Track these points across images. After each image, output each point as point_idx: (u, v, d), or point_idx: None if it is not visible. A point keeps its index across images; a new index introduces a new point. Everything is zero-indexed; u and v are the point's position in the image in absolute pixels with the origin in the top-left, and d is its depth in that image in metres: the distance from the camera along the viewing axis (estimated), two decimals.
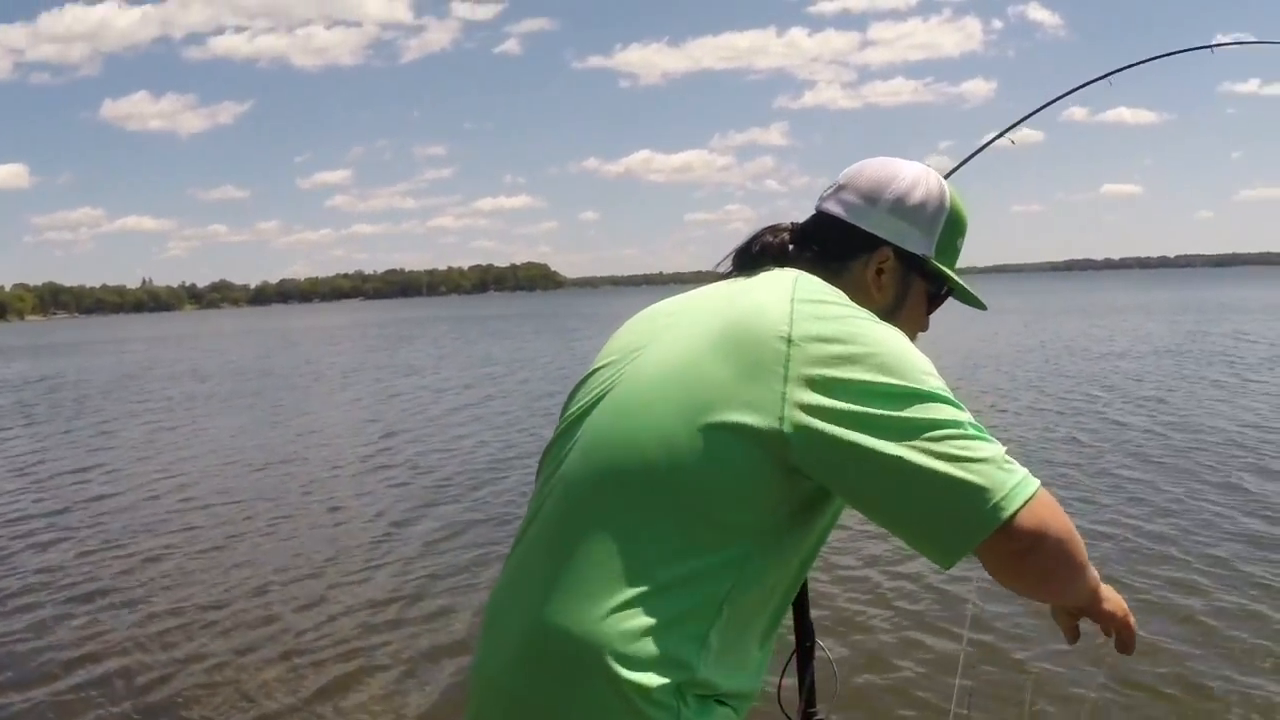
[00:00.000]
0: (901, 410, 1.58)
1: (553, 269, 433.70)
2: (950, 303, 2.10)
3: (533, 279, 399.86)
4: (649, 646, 1.60)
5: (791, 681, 2.43)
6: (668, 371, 1.75)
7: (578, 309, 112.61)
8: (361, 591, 8.39)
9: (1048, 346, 30.81)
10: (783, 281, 1.82)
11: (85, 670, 6.83)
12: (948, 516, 1.55)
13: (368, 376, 30.71)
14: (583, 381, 1.95)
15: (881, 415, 1.57)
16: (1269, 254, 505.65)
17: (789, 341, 1.65)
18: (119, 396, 27.35)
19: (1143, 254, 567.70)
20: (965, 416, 1.60)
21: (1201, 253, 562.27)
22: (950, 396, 1.62)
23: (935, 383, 1.63)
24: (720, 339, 1.72)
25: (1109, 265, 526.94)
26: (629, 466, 1.69)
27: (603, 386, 1.85)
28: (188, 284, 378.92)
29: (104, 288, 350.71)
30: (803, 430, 1.60)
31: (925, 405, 1.59)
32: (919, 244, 1.97)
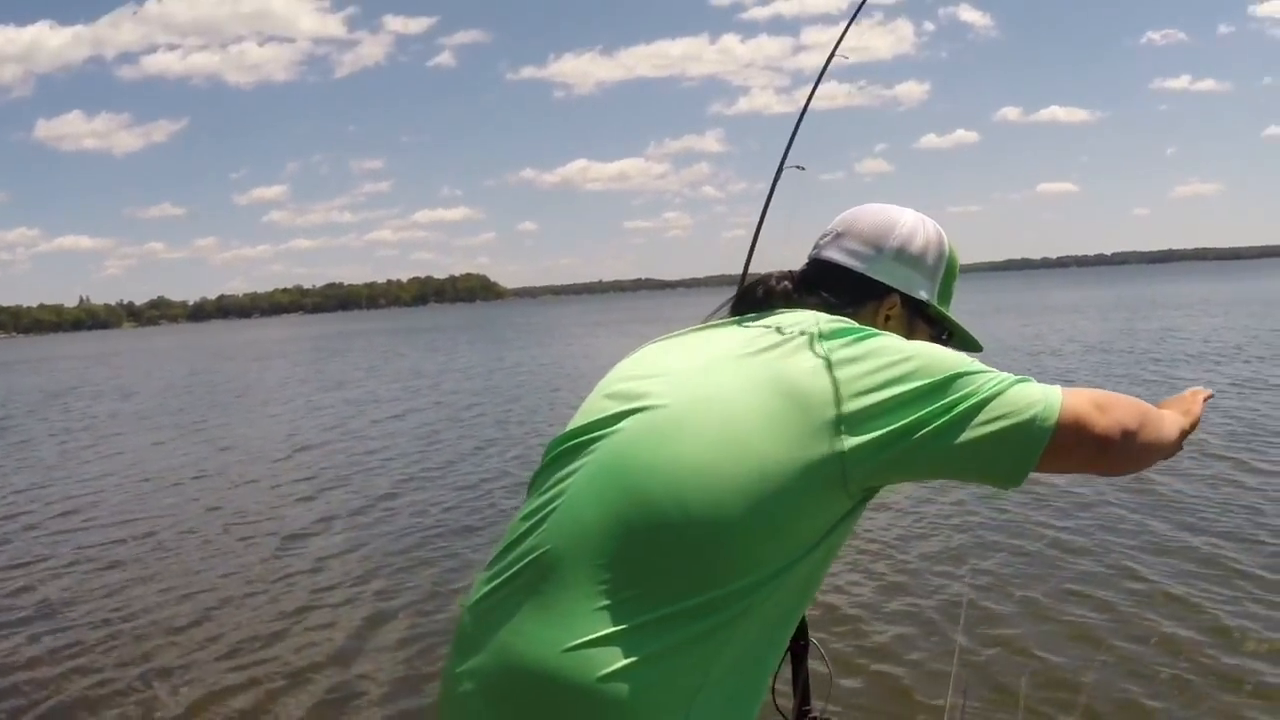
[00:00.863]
0: (941, 401, 1.63)
1: (492, 279, 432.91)
2: None
3: (472, 290, 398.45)
4: (650, 683, 1.56)
5: (786, 678, 2.41)
6: (705, 411, 1.69)
7: (514, 319, 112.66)
8: (252, 604, 8.32)
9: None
10: (808, 319, 1.81)
11: None
12: (1005, 457, 1.64)
13: (292, 391, 30.56)
14: (586, 413, 1.84)
15: (927, 414, 1.62)
16: (1204, 249, 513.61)
17: (830, 371, 1.66)
18: (43, 415, 27.20)
19: (1080, 252, 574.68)
20: (989, 376, 1.67)
21: (1138, 249, 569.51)
22: (971, 367, 1.67)
23: (956, 361, 1.69)
24: (762, 379, 1.70)
25: (1046, 264, 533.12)
26: (657, 501, 1.63)
27: (618, 422, 1.76)
28: (126, 302, 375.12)
29: (41, 307, 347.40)
30: (859, 451, 1.61)
31: (958, 387, 1.64)
32: (923, 290, 2.01)
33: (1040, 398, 1.64)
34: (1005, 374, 1.67)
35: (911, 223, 2.03)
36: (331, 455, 16.35)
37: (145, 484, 14.62)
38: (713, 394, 1.71)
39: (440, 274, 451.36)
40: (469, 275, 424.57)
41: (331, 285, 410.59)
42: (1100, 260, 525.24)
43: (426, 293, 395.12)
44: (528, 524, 1.73)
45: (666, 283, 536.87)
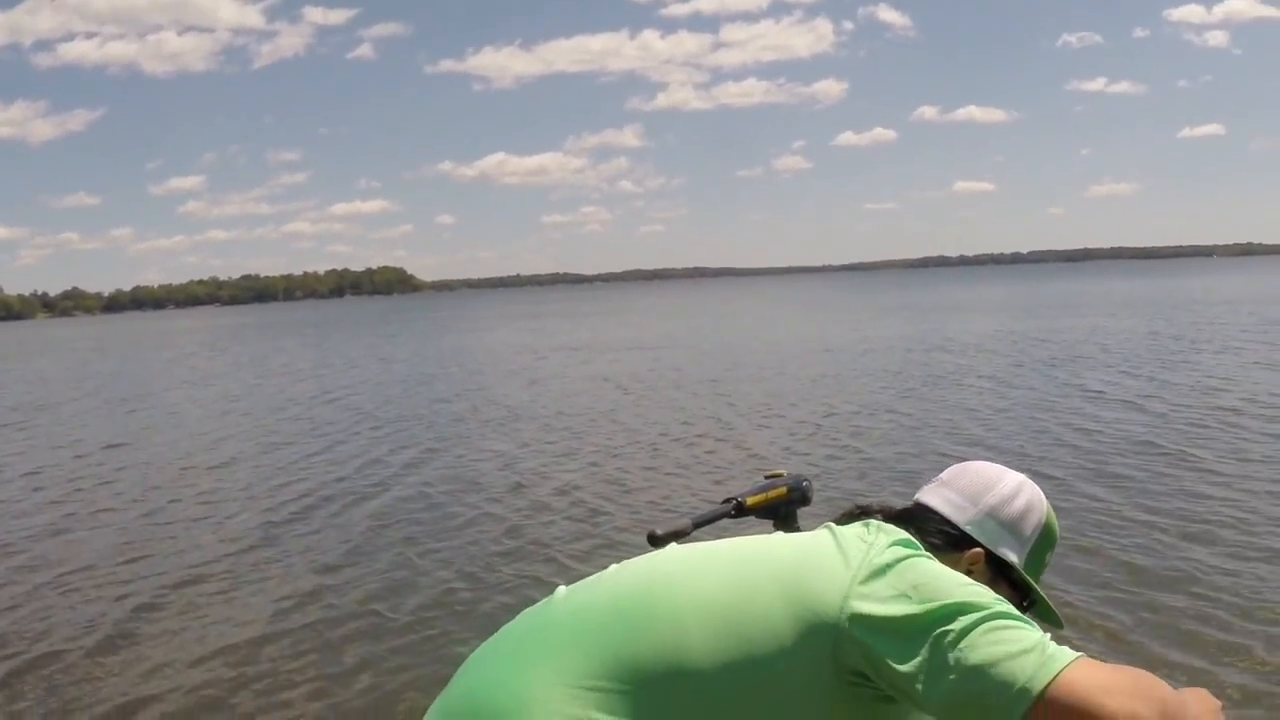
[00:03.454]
0: (940, 627, 1.59)
1: (409, 272, 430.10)
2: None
3: (389, 283, 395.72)
4: None
5: None
6: (720, 580, 1.76)
7: (427, 312, 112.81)
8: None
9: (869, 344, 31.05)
10: (860, 532, 1.84)
11: None
12: (987, 707, 1.55)
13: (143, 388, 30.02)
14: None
15: (920, 635, 1.60)
16: (1120, 249, 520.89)
17: (851, 580, 1.68)
18: None
19: (996, 250, 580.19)
20: (994, 610, 1.62)
21: (1054, 248, 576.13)
22: (980, 600, 1.63)
23: (967, 593, 1.65)
24: (785, 569, 1.75)
25: (963, 261, 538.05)
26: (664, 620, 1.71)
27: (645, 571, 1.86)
28: (40, 292, 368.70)
29: None
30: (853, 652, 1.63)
31: (958, 617, 1.60)
32: (1012, 551, 2.00)
33: (1050, 649, 1.57)
34: (1024, 627, 1.61)
35: (1014, 485, 2.04)
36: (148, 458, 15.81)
37: None
38: (752, 551, 1.83)
39: (357, 266, 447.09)
40: (386, 268, 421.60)
41: (247, 277, 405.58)
42: (1017, 259, 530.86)
43: (343, 285, 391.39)
44: (551, 599, 1.89)
45: (584, 277, 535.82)
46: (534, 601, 1.93)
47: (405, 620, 7.92)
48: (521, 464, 14.24)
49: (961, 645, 1.56)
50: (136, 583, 9.27)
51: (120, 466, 15.77)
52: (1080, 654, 1.56)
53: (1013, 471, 2.09)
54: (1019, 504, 2.02)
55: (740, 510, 2.49)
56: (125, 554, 10.31)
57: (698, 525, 2.42)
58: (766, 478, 2.60)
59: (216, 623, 8.09)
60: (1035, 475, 2.16)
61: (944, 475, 2.11)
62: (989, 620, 1.59)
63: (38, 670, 7.18)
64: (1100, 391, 18.34)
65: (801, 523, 2.55)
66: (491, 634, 1.89)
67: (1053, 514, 2.07)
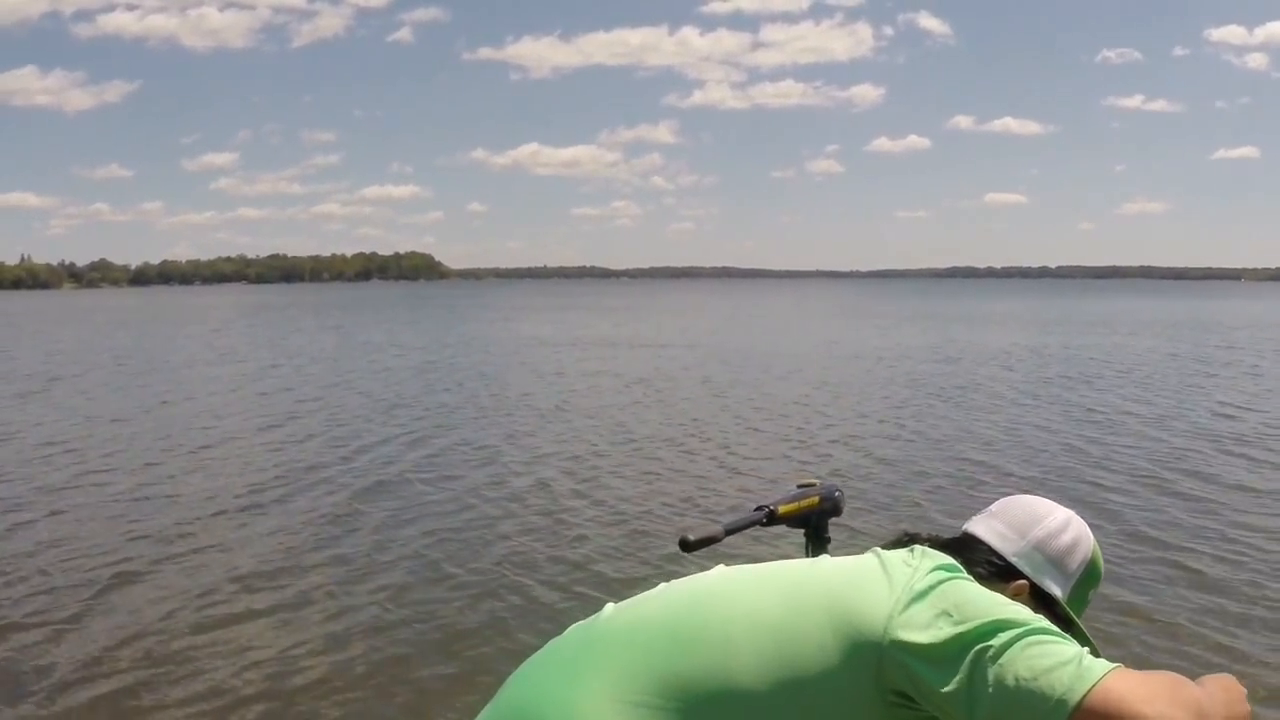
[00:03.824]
0: (979, 644, 1.61)
1: (437, 259, 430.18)
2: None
3: (416, 268, 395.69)
4: None
5: None
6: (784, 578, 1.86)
7: (450, 299, 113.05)
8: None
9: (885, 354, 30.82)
10: (904, 556, 1.88)
11: None
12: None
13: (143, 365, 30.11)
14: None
15: (960, 654, 1.62)
16: (1149, 268, 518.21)
17: (895, 604, 1.71)
18: None
19: (1025, 263, 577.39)
20: (1032, 626, 1.64)
21: (1082, 264, 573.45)
22: (1018, 617, 1.66)
23: (1006, 611, 1.67)
24: (833, 591, 1.78)
25: (991, 273, 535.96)
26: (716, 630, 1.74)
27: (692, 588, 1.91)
28: (68, 263, 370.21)
29: None
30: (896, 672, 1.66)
31: (997, 634, 1.62)
32: (1056, 585, 2.01)
33: (1086, 660, 1.58)
34: (1062, 641, 1.63)
35: (1062, 521, 2.06)
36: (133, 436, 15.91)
37: None
38: (800, 574, 1.88)
39: (386, 251, 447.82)
40: (414, 254, 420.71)
41: (275, 256, 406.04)
42: (1044, 272, 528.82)
43: (371, 269, 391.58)
44: (599, 616, 1.92)
45: (612, 271, 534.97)
46: (569, 611, 1.91)
47: (430, 621, 7.87)
48: (538, 462, 14.19)
49: (1001, 661, 1.58)
50: (120, 551, 9.40)
51: (124, 438, 15.95)
52: (1117, 664, 1.58)
53: (1061, 507, 2.10)
54: (1066, 539, 2.04)
55: (772, 518, 2.49)
56: (114, 526, 10.42)
57: (730, 532, 2.44)
58: (799, 487, 2.60)
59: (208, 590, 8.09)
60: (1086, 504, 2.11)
61: (993, 507, 2.13)
62: (1027, 636, 1.61)
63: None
64: (1107, 411, 18.26)
65: (831, 533, 2.58)
66: (532, 648, 1.94)
67: (1098, 551, 2.09)
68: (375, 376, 25.92)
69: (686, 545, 2.36)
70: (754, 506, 2.51)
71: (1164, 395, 20.86)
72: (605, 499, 11.62)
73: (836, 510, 2.60)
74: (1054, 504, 2.10)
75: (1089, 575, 2.06)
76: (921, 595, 1.70)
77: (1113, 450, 14.33)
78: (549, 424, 17.52)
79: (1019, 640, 1.60)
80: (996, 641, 1.60)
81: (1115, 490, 11.83)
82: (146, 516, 10.87)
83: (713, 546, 2.46)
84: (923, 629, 1.65)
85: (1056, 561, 2.01)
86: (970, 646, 1.61)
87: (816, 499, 2.56)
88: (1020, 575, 1.99)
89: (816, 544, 2.57)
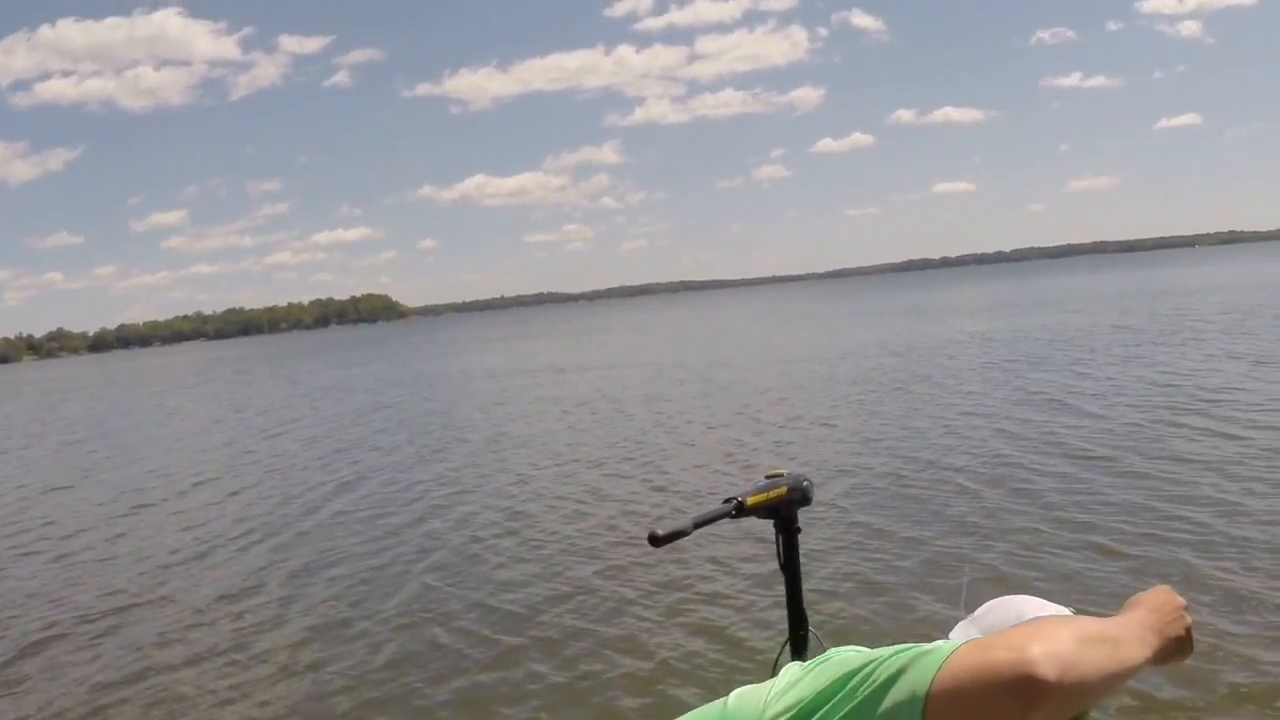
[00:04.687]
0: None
1: (394, 299, 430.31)
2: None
3: (374, 310, 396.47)
4: None
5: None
6: None
7: (405, 338, 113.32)
8: None
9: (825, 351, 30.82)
10: None
11: None
12: None
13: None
14: None
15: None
16: (1103, 243, 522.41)
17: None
18: None
19: (979, 250, 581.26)
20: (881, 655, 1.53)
21: (1036, 245, 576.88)
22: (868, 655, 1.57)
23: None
24: None
25: (946, 263, 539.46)
26: None
27: None
28: (25, 334, 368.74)
29: None
30: None
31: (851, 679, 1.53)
32: None
33: (925, 649, 1.47)
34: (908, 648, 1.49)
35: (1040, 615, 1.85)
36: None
37: None
38: None
39: (341, 295, 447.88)
40: (370, 295, 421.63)
41: (232, 310, 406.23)
42: (1000, 257, 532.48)
43: (328, 314, 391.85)
44: None
45: (569, 295, 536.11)
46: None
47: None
48: (465, 497, 14.10)
49: (857, 698, 1.51)
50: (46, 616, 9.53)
51: (58, 507, 15.87)
52: (964, 641, 1.49)
53: (1052, 605, 1.89)
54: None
55: (741, 510, 2.40)
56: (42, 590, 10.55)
57: (699, 525, 2.35)
58: (767, 477, 2.52)
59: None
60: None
61: (977, 612, 1.97)
62: (871, 664, 1.52)
63: None
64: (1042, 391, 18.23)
65: (801, 523, 2.51)
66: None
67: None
68: (319, 424, 25.77)
69: (655, 540, 2.28)
70: (723, 499, 2.42)
71: (1106, 369, 20.84)
72: (524, 530, 11.57)
73: (806, 500, 2.52)
74: (1044, 603, 1.91)
75: None
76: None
77: (1047, 429, 14.28)
78: (482, 457, 17.42)
79: (868, 670, 1.52)
80: (850, 685, 1.52)
81: (1042, 472, 11.85)
82: (75, 580, 10.97)
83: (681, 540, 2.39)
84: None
85: None
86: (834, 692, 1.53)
87: (785, 489, 2.48)
88: None
89: (786, 534, 2.51)
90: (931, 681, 1.40)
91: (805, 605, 2.54)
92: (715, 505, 2.40)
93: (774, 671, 2.19)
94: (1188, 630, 1.66)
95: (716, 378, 27.85)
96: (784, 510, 2.49)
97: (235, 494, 15.74)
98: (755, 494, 2.44)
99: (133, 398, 47.05)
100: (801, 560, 2.47)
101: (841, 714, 1.49)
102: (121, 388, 60.07)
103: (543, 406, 25.17)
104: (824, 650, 2.35)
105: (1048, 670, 1.35)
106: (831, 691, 1.53)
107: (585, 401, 25.08)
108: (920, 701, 1.40)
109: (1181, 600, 1.68)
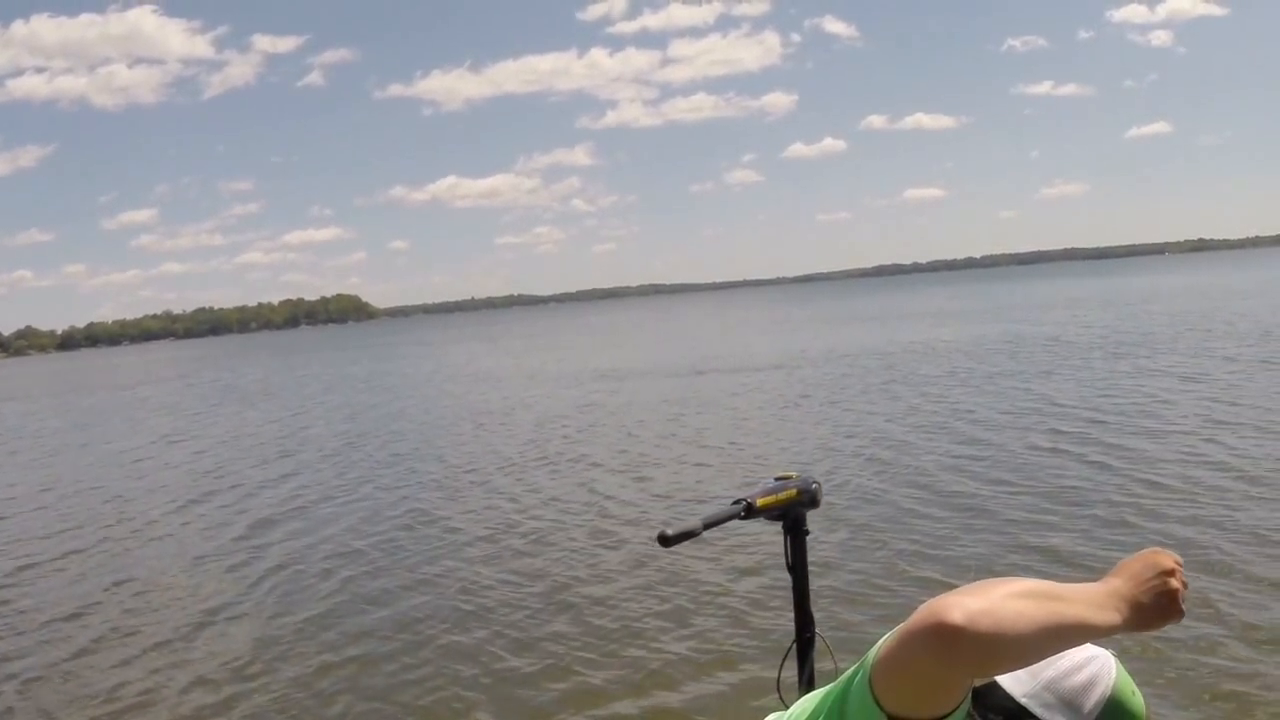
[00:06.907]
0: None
1: (364, 299, 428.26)
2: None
3: (344, 310, 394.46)
4: None
5: (791, 671, 2.51)
6: None
7: (373, 340, 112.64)
8: None
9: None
10: None
11: None
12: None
13: None
14: None
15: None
16: (1073, 249, 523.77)
17: None
18: None
19: (950, 256, 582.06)
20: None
21: (1007, 252, 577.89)
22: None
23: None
24: None
25: (917, 268, 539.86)
26: None
27: None
28: None
29: None
30: None
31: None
32: None
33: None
34: None
35: (1079, 659, 1.83)
36: None
37: None
38: None
39: (312, 295, 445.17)
40: (341, 296, 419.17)
41: (201, 310, 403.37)
42: (970, 263, 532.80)
43: (298, 315, 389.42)
44: None
45: (539, 297, 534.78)
46: None
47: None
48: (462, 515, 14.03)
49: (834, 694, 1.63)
50: None
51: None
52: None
53: (1092, 644, 1.86)
54: (1080, 678, 1.82)
55: (750, 511, 2.46)
56: None
57: (708, 526, 2.42)
58: (776, 479, 2.58)
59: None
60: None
61: None
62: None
63: None
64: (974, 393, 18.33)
65: (809, 526, 2.58)
66: None
67: (1125, 690, 1.85)
68: (275, 441, 25.58)
69: (665, 540, 2.33)
70: (732, 500, 2.49)
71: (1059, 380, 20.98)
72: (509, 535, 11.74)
73: (814, 503, 2.59)
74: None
75: (1109, 714, 1.84)
76: None
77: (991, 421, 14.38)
78: (453, 468, 17.44)
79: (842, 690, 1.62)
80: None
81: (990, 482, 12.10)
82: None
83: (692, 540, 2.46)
84: None
85: (1069, 701, 1.82)
86: None
87: (795, 491, 2.54)
88: (1031, 716, 1.81)
89: (794, 536, 2.58)
90: (875, 652, 1.51)
91: (812, 607, 2.59)
92: (725, 506, 2.46)
93: (778, 675, 2.53)
94: (1171, 595, 1.68)
95: (670, 390, 27.76)
96: (793, 513, 2.56)
97: (177, 511, 15.58)
98: (764, 496, 2.49)
99: (89, 402, 46.57)
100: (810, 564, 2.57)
101: (826, 710, 1.65)
102: (85, 390, 59.44)
103: (505, 418, 25.03)
104: (830, 652, 2.65)
105: (956, 616, 1.39)
106: (831, 693, 1.69)
107: (593, 408, 25.06)
108: (867, 673, 1.50)
109: (1170, 563, 1.70)
